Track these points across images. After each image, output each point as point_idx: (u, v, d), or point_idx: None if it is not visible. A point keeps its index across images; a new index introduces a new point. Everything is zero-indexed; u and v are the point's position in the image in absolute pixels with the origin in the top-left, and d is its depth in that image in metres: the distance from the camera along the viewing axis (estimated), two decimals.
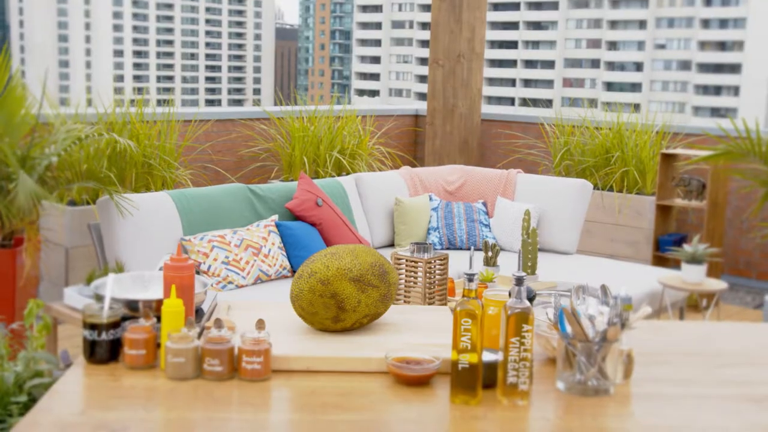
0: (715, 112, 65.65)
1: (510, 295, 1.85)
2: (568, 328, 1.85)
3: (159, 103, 5.35)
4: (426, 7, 78.18)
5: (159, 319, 1.97)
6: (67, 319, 3.56)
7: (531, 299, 2.14)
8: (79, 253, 4.76)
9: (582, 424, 1.71)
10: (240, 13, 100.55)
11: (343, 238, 4.51)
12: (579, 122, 6.52)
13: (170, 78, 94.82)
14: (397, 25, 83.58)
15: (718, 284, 4.43)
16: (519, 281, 1.78)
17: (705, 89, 67.16)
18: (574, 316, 1.83)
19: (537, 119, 6.86)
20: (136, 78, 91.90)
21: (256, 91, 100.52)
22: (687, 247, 4.41)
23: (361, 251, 2.10)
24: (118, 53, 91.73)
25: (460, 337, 1.76)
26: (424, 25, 79.10)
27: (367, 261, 2.08)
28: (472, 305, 1.77)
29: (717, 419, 1.74)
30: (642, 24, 69.25)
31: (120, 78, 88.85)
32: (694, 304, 5.52)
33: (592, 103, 7.45)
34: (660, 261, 5.88)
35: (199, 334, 1.94)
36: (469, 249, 4.95)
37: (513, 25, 74.48)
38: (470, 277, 1.79)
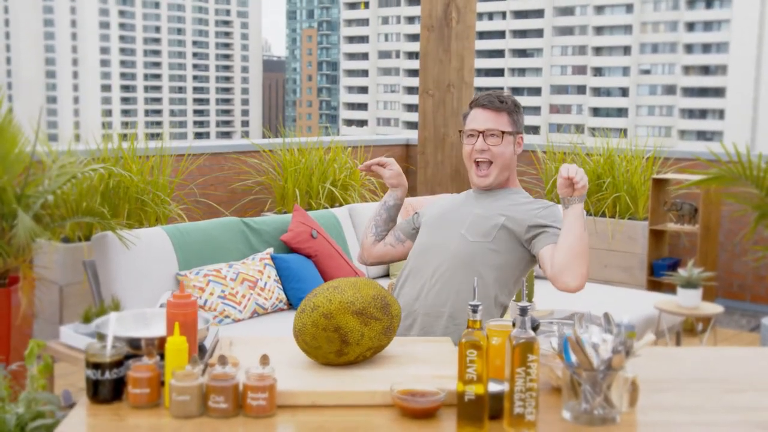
0: (701, 135, 66.19)
1: (514, 325, 1.85)
2: (573, 357, 1.85)
3: (149, 137, 5.35)
4: (412, 37, 78.80)
5: (162, 356, 1.96)
6: (63, 358, 3.53)
7: (534, 329, 2.14)
8: (74, 290, 4.73)
9: None
10: (227, 45, 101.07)
11: (338, 270, 4.51)
12: (570, 149, 6.56)
13: (158, 112, 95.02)
14: (384, 55, 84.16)
15: (713, 308, 4.44)
16: (523, 311, 1.79)
17: (690, 113, 67.78)
18: (579, 345, 1.83)
19: (529, 146, 6.88)
20: (125, 113, 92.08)
21: (245, 123, 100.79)
22: (682, 272, 4.42)
23: (362, 284, 2.10)
24: (106, 88, 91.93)
25: (466, 368, 1.76)
26: (410, 55, 79.70)
27: (369, 294, 2.08)
28: (476, 336, 1.77)
29: None
30: (626, 50, 69.97)
31: (108, 113, 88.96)
32: (689, 329, 5.52)
33: (579, 129, 7.54)
34: (654, 285, 5.89)
35: (203, 371, 1.93)
36: None
37: (499, 53, 75.14)
38: (474, 308, 1.79)
